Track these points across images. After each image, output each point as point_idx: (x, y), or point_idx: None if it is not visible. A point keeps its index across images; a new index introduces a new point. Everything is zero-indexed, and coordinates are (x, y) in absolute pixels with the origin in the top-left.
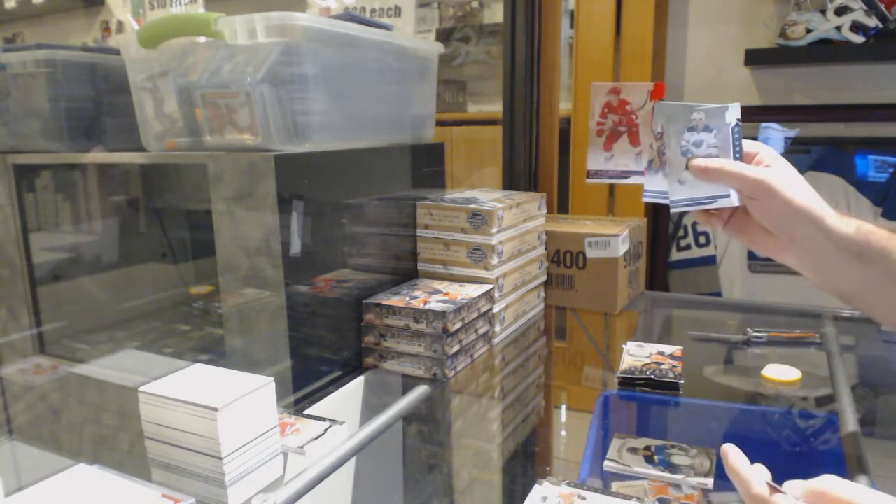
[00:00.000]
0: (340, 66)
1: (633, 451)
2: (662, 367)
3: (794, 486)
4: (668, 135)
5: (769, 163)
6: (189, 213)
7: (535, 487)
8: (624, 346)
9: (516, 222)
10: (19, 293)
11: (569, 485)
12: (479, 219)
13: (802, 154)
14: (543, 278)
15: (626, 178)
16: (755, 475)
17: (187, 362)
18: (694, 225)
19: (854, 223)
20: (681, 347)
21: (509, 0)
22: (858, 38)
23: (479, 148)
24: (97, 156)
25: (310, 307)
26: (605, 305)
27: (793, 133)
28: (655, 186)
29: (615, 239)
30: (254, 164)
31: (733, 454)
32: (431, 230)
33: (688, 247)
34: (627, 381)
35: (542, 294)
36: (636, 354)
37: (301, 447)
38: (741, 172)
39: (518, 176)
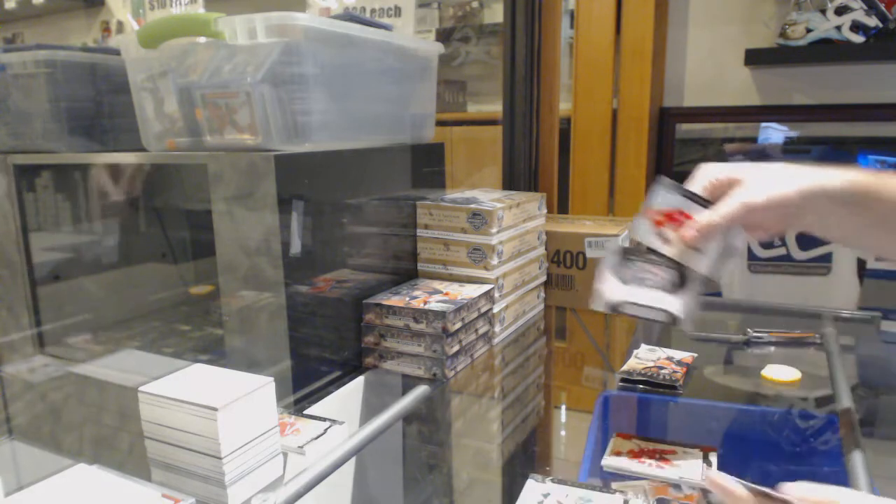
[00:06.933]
0: (340, 66)
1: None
2: (663, 371)
3: (799, 489)
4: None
5: (739, 178)
6: (189, 213)
7: (528, 483)
8: (636, 350)
9: (516, 222)
10: (19, 293)
11: (557, 482)
12: (479, 219)
13: (803, 154)
14: (543, 278)
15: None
16: (734, 484)
17: (187, 362)
18: None
19: (840, 174)
20: (693, 354)
21: (509, 0)
22: (858, 38)
23: (479, 148)
24: (97, 156)
25: (310, 307)
26: None
27: (793, 133)
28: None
29: (615, 239)
30: (254, 164)
31: (714, 476)
32: (431, 230)
33: None
34: (626, 381)
35: (542, 294)
36: (643, 358)
37: (301, 447)
38: (724, 216)
39: (518, 176)
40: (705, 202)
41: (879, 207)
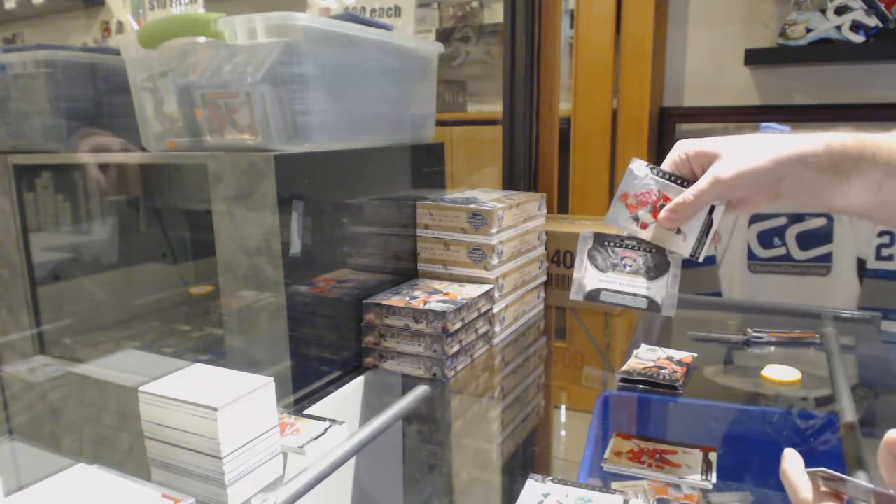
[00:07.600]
0: (340, 66)
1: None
2: (663, 371)
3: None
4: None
5: (717, 153)
6: (189, 213)
7: (528, 483)
8: (636, 350)
9: (516, 222)
10: (19, 293)
11: (557, 482)
12: (479, 219)
13: None
14: (543, 278)
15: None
16: (803, 480)
17: (187, 362)
18: None
19: (822, 140)
20: (693, 354)
21: (509, 0)
22: (858, 38)
23: (479, 148)
24: (97, 156)
25: (310, 307)
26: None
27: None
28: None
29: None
30: (254, 164)
31: (789, 458)
32: (431, 230)
33: None
34: (626, 381)
35: (542, 294)
36: (643, 358)
37: (301, 447)
38: (695, 193)
39: (518, 176)
40: (682, 181)
41: (872, 174)
